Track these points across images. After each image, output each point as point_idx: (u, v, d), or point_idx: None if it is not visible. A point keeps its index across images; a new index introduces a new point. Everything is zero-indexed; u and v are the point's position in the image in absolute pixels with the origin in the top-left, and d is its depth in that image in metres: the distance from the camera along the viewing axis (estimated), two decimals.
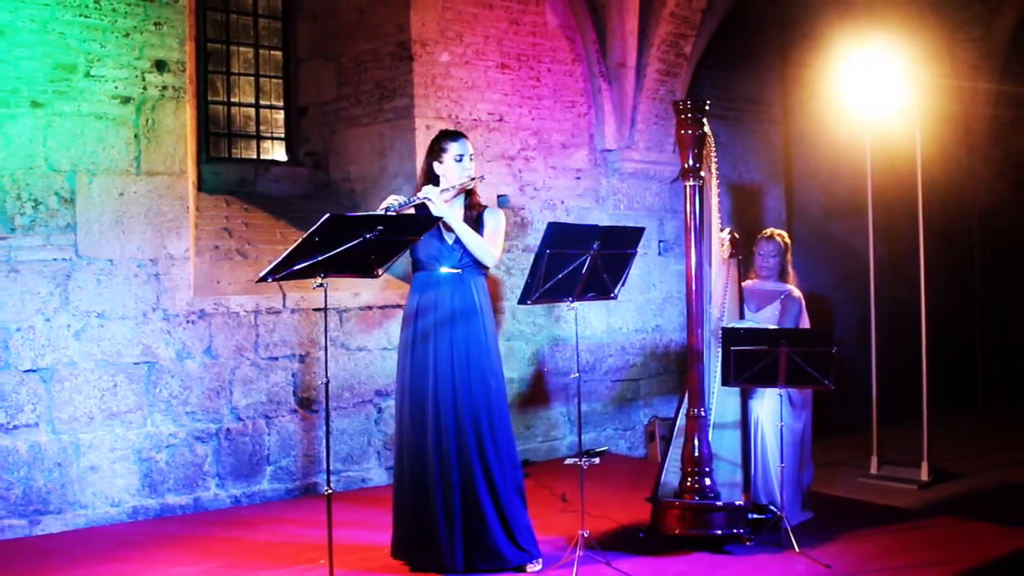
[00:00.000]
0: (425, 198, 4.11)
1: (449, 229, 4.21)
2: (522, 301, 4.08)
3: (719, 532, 4.48)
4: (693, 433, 4.61)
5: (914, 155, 7.00)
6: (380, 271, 3.94)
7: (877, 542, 4.68)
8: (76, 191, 5.00)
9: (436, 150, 4.27)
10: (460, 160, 4.22)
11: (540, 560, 4.25)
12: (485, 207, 4.32)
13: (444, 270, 4.21)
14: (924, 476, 6.67)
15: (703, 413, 4.64)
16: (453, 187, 4.19)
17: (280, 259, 3.72)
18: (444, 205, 4.12)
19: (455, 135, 4.30)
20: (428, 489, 4.13)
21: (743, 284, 5.17)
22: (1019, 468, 7.18)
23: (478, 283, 4.26)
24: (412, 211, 4.16)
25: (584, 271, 4.10)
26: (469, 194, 4.29)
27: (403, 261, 4.32)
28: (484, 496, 4.12)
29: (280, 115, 6.84)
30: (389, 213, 3.94)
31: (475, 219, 4.25)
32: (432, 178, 4.27)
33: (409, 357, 4.23)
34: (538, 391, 6.75)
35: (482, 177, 4.31)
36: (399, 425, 4.27)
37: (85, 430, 5.04)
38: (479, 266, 4.25)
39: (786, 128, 8.59)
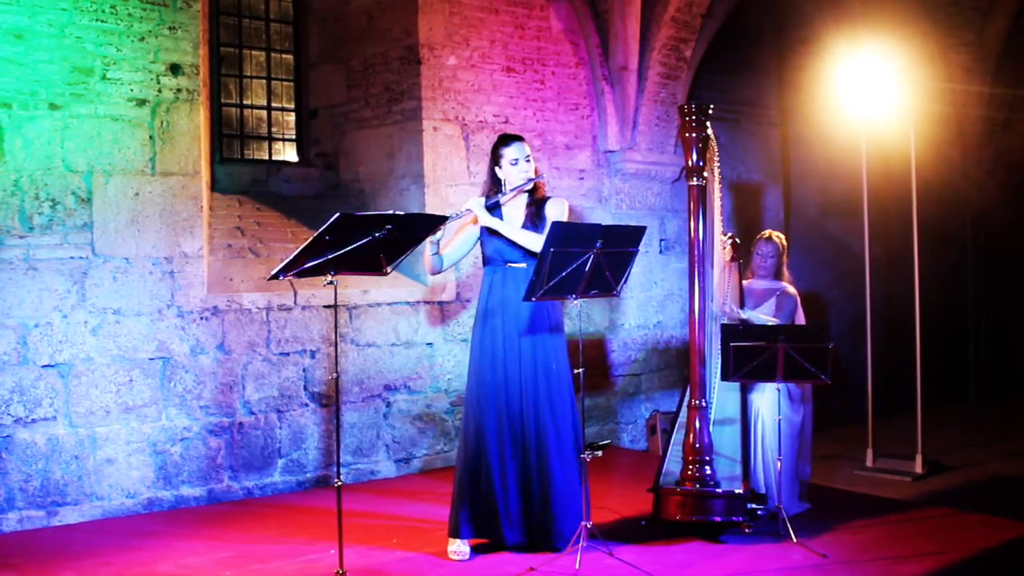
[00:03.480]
0: (466, 210, 4.38)
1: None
2: (527, 298, 4.12)
3: (718, 519, 4.56)
4: (694, 423, 4.70)
5: (908, 156, 7.11)
6: (389, 269, 4.05)
7: (872, 533, 4.74)
8: (93, 191, 5.08)
9: (495, 156, 4.48)
10: (516, 163, 4.42)
11: None
12: (549, 197, 4.53)
13: (509, 265, 4.42)
14: (918, 469, 6.78)
15: (704, 404, 4.73)
16: (512, 191, 4.41)
17: (291, 257, 3.81)
18: (485, 213, 4.37)
19: (509, 140, 4.49)
20: (503, 469, 4.32)
21: (741, 283, 5.28)
22: (1011, 461, 7.28)
23: None
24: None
25: (587, 269, 4.15)
26: (534, 189, 4.49)
27: (409, 259, 4.44)
28: (558, 476, 4.38)
29: (291, 117, 6.90)
30: (452, 220, 4.26)
31: (536, 211, 4.45)
32: (496, 182, 4.48)
33: (479, 350, 4.43)
34: None
35: (540, 176, 4.50)
36: (471, 420, 4.41)
37: (101, 424, 5.13)
38: None
39: (784, 130, 8.68)
